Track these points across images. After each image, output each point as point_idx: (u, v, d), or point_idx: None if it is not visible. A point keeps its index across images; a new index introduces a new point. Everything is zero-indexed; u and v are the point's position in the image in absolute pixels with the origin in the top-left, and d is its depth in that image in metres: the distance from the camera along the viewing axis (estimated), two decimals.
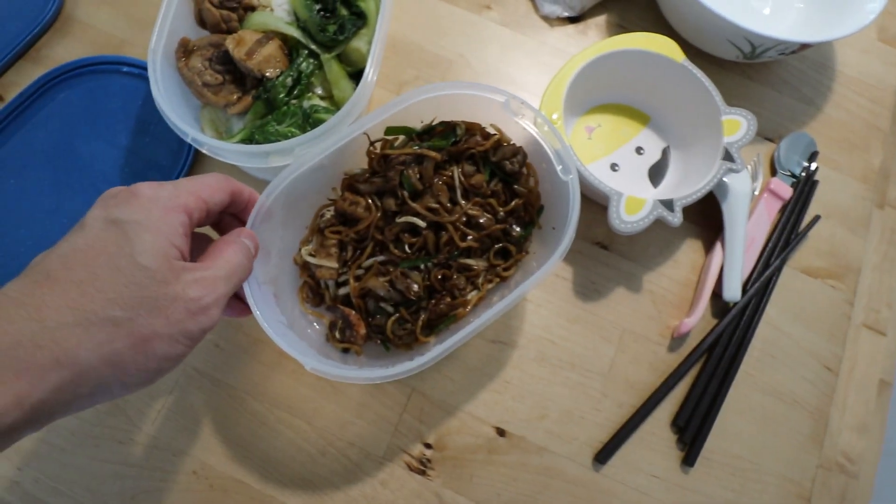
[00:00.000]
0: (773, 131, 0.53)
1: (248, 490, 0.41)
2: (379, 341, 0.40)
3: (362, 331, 0.38)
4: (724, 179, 0.47)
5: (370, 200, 0.39)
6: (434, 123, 0.41)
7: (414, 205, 0.38)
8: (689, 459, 0.43)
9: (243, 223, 0.35)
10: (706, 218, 0.49)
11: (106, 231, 0.26)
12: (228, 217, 0.35)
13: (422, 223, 0.38)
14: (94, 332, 0.24)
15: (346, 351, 0.40)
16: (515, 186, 0.41)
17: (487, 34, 0.55)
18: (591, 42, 0.54)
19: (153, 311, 0.25)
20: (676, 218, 0.43)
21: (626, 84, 0.50)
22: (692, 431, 0.44)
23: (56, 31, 0.53)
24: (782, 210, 0.50)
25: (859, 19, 0.48)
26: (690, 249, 0.49)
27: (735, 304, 0.46)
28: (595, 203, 0.48)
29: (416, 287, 0.38)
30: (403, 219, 0.39)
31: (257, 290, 0.35)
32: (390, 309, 0.39)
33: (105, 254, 0.25)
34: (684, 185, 0.47)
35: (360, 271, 0.40)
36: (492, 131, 0.41)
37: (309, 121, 0.43)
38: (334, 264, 0.39)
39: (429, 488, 0.42)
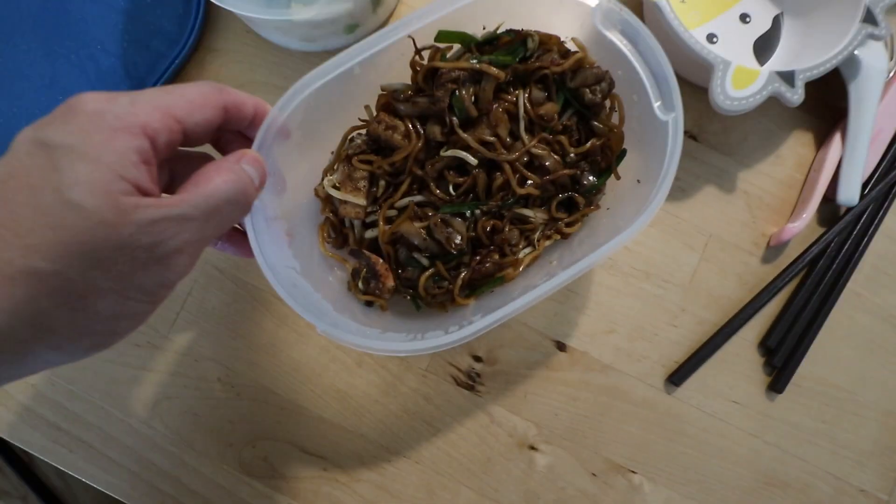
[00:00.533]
0: None
1: (278, 400, 0.37)
2: (408, 297, 0.34)
3: (389, 283, 0.32)
4: (856, 53, 0.37)
5: (411, 125, 0.32)
6: (499, 32, 0.32)
7: (465, 135, 0.31)
8: (776, 385, 0.38)
9: (251, 143, 0.27)
10: (822, 104, 0.40)
11: (30, 158, 0.20)
12: (231, 135, 0.28)
13: (472, 160, 0.31)
14: (10, 287, 0.19)
15: (369, 304, 0.34)
16: (594, 123, 0.33)
17: None
18: None
19: (90, 261, 0.20)
20: (797, 95, 0.34)
21: None
22: (783, 355, 0.38)
23: None
24: None
25: None
26: (798, 143, 0.40)
27: (850, 209, 0.38)
28: (684, 81, 0.40)
29: (458, 238, 0.31)
30: (450, 152, 0.31)
31: (264, 226, 0.28)
32: (425, 261, 0.33)
33: (27, 187, 0.19)
34: (800, 61, 0.37)
35: (393, 212, 0.33)
36: (573, 47, 0.32)
37: None
38: (362, 201, 0.32)
39: (477, 405, 0.37)
